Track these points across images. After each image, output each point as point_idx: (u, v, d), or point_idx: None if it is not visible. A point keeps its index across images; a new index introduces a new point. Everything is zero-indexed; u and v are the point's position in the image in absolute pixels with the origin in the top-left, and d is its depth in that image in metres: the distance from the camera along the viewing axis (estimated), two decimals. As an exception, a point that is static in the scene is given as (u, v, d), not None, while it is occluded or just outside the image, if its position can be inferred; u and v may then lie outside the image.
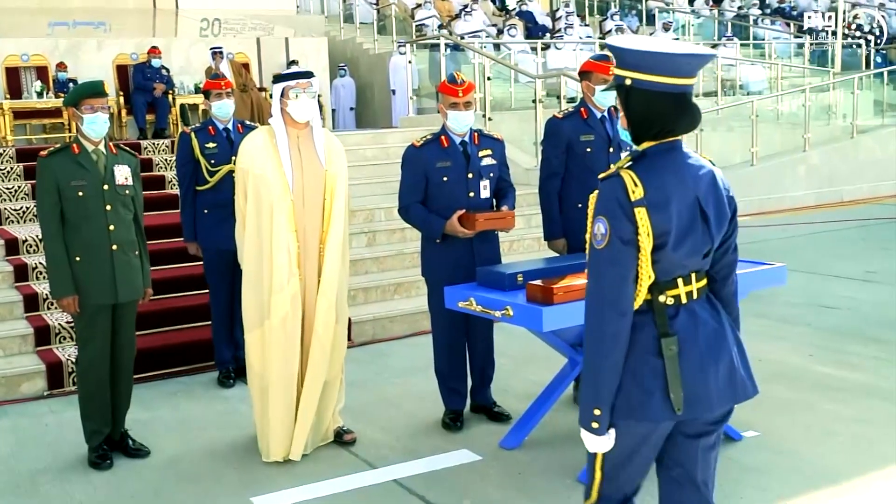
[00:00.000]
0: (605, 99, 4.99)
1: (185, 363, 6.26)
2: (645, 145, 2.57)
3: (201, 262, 6.12)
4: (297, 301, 4.48)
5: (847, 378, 5.60)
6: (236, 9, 15.48)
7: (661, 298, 2.50)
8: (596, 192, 2.55)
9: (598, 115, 5.05)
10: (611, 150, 5.03)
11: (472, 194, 4.79)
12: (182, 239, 6.10)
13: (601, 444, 2.55)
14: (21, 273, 6.86)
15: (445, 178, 4.75)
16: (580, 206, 4.98)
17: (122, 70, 12.58)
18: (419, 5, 17.66)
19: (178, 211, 6.12)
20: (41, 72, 12.15)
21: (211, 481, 4.42)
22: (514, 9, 19.68)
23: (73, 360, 5.82)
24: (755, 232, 10.73)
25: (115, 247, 4.54)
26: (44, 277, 6.79)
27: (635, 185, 2.46)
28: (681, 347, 2.49)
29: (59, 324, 6.28)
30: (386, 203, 8.56)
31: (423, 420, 5.13)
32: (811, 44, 19.34)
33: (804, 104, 14.07)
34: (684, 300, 2.53)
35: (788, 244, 10.22)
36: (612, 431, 2.53)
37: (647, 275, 2.46)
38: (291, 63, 13.63)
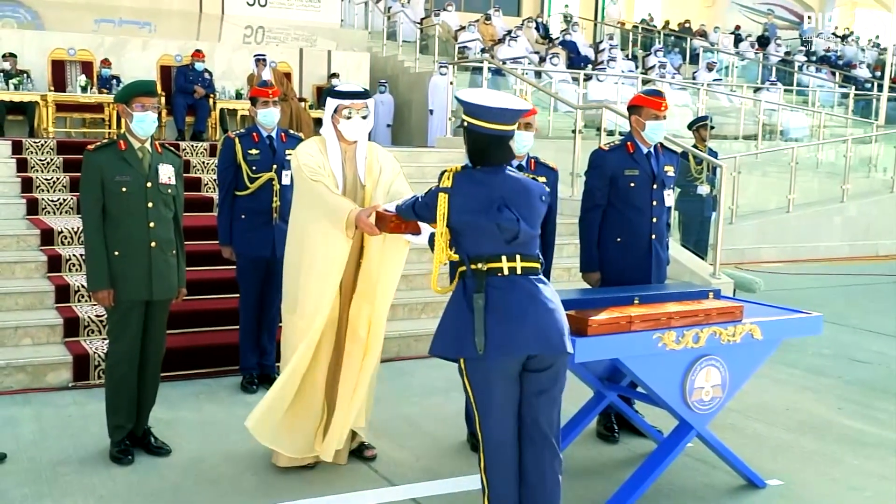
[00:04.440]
0: (655, 134, 4.93)
1: (211, 365, 6.28)
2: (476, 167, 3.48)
3: (234, 267, 6.15)
4: (333, 308, 4.45)
5: (875, 434, 5.52)
6: (281, 18, 15.64)
7: (480, 266, 3.36)
8: None
9: (645, 150, 5.00)
10: (654, 186, 4.99)
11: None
12: (216, 242, 6.12)
13: None
14: (54, 264, 6.92)
15: None
16: (619, 240, 4.95)
17: (165, 71, 12.72)
18: (463, 28, 17.80)
19: (214, 213, 6.13)
20: (86, 67, 12.29)
21: (230, 485, 4.42)
22: (558, 38, 19.78)
23: (101, 353, 5.86)
24: (787, 280, 10.66)
25: (153, 244, 4.58)
26: (76, 269, 6.85)
27: (448, 179, 3.42)
28: (488, 303, 3.31)
29: (89, 316, 6.32)
30: (419, 221, 8.55)
31: (444, 441, 5.11)
32: (856, 94, 19.24)
33: (845, 154, 14.00)
34: (506, 272, 3.36)
35: (821, 294, 10.12)
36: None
37: (442, 247, 3.45)
38: (333, 76, 13.73)
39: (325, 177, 4.41)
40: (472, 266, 3.37)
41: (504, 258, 3.36)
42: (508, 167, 3.49)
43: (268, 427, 4.50)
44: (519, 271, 3.37)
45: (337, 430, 4.53)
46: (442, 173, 3.49)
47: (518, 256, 3.38)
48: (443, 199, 3.41)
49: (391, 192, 4.50)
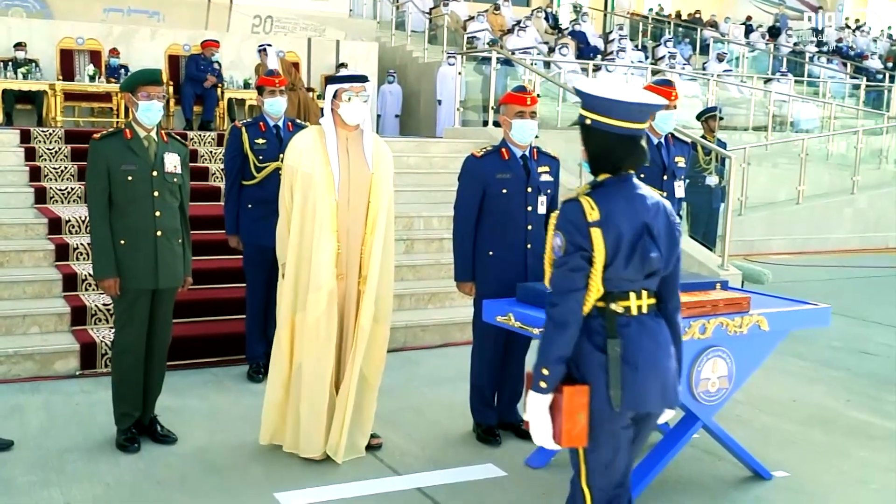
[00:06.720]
0: (664, 125, 4.90)
1: (217, 354, 6.29)
2: (602, 177, 2.92)
3: (241, 256, 6.15)
4: (333, 300, 4.47)
5: (883, 426, 5.49)
6: (289, 8, 15.61)
7: (613, 306, 2.87)
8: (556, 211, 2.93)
9: (655, 140, 4.96)
10: (664, 177, 4.96)
11: (529, 208, 4.74)
12: (223, 231, 6.12)
13: (542, 402, 2.84)
14: (62, 252, 6.94)
15: (505, 190, 4.70)
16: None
17: (173, 60, 12.72)
18: (472, 18, 17.72)
19: (221, 203, 6.13)
20: (94, 56, 12.30)
21: (236, 473, 4.43)
22: (568, 28, 19.70)
23: (108, 341, 5.87)
24: (797, 271, 10.62)
25: (159, 233, 4.58)
26: (84, 258, 6.86)
27: (592, 208, 2.82)
28: (625, 350, 2.84)
29: (96, 305, 6.34)
30: (426, 212, 8.55)
31: (450, 430, 5.11)
32: (867, 85, 19.11)
33: (856, 146, 13.92)
34: (634, 312, 2.90)
35: (830, 286, 10.09)
36: (550, 396, 2.84)
37: (596, 287, 2.83)
38: (341, 66, 13.70)
39: (314, 175, 4.45)
40: (600, 304, 2.87)
41: (633, 295, 2.89)
42: (635, 177, 2.97)
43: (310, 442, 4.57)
44: (644, 309, 2.92)
45: (346, 424, 4.55)
46: (571, 200, 2.89)
47: (645, 293, 2.92)
48: (597, 235, 2.81)
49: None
